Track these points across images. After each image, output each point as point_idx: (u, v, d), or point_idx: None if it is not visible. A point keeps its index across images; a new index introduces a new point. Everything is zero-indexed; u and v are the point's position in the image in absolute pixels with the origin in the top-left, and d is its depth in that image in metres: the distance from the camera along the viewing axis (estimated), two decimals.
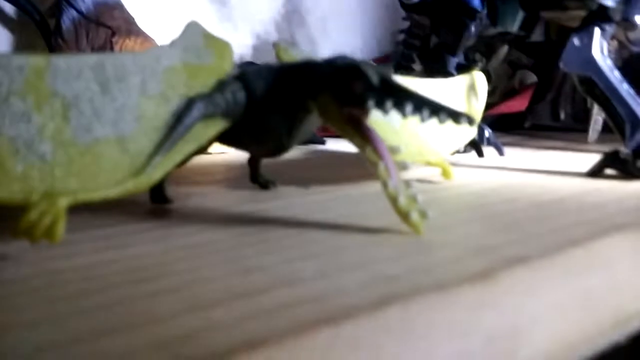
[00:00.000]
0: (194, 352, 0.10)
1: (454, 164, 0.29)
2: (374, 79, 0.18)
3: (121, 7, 0.46)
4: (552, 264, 0.16)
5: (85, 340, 0.11)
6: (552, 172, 0.31)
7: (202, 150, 0.23)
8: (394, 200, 0.18)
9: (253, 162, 0.28)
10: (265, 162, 0.27)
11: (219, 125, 0.21)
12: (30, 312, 0.13)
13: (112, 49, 0.43)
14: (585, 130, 0.43)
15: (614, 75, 0.28)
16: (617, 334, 0.15)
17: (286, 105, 0.21)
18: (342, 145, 0.44)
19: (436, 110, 0.17)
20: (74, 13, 0.43)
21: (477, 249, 0.17)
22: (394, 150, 0.19)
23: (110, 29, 0.44)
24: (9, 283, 0.15)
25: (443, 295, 0.13)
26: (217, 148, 0.40)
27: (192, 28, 0.22)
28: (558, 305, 0.15)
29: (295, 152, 0.34)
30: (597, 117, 0.27)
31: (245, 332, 0.11)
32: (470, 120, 0.17)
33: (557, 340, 0.15)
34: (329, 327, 0.11)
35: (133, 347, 0.11)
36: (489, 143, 0.35)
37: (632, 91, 0.28)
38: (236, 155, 0.38)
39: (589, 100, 0.32)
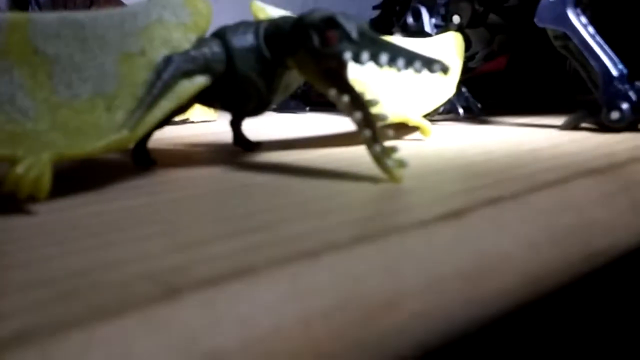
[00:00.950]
0: (182, 280, 0.11)
1: (432, 122, 0.29)
2: (350, 30, 0.19)
3: None
4: (522, 205, 0.16)
5: (79, 274, 0.11)
6: (529, 126, 0.32)
7: (183, 109, 0.23)
8: (371, 148, 0.19)
9: (236, 124, 0.28)
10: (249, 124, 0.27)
11: (198, 82, 0.21)
12: (21, 255, 0.13)
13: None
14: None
15: (588, 31, 0.29)
16: (585, 269, 0.16)
17: (265, 61, 0.22)
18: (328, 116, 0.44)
19: (411, 59, 0.18)
20: None
21: (451, 193, 0.17)
22: (372, 102, 0.19)
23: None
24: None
25: (418, 232, 0.14)
26: (199, 116, 0.41)
27: None
28: (528, 243, 0.16)
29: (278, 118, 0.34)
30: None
31: (229, 264, 0.12)
32: (445, 68, 0.17)
33: (527, 274, 0.15)
34: (310, 259, 0.12)
35: (126, 278, 0.11)
36: (467, 103, 0.36)
37: (605, 46, 0.29)
38: (219, 123, 0.39)
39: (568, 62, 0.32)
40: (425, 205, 0.16)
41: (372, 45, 0.19)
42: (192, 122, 0.40)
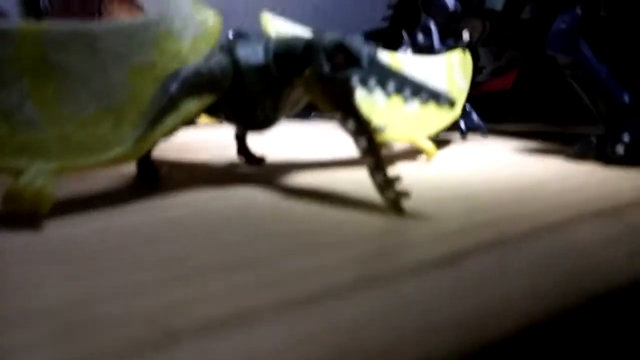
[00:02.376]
0: (180, 323, 0.11)
1: (437, 144, 0.29)
2: (360, 56, 0.19)
3: None
4: (525, 248, 0.16)
5: (75, 306, 0.11)
6: (536, 151, 0.32)
7: (189, 122, 0.23)
8: (375, 177, 0.19)
9: (240, 135, 0.28)
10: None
11: (205, 98, 0.21)
12: (15, 279, 0.13)
13: (101, 13, 0.43)
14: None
15: (595, 60, 0.29)
16: (590, 314, 0.16)
17: (273, 79, 0.21)
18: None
19: (418, 90, 0.18)
20: None
21: (453, 231, 0.17)
22: (377, 129, 0.19)
23: None
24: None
25: (419, 276, 0.14)
26: (205, 119, 0.41)
27: None
28: (531, 288, 0.16)
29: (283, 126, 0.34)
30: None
31: (228, 305, 0.12)
32: (452, 103, 0.17)
33: (529, 321, 0.15)
34: (310, 304, 0.12)
35: (123, 317, 0.11)
36: (473, 123, 0.36)
37: (614, 78, 0.29)
38: (224, 127, 0.39)
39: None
40: (427, 244, 0.16)
41: (380, 72, 0.18)
42: (198, 125, 0.40)
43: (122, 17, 0.42)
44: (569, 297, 0.16)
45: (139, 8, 0.45)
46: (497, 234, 0.17)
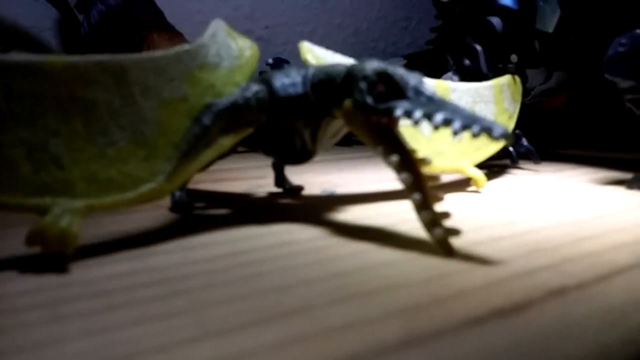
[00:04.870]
0: None
1: (486, 172, 0.27)
2: (404, 85, 0.17)
3: (150, 2, 0.46)
4: (589, 296, 0.15)
5: None
6: (593, 181, 0.30)
7: (224, 155, 0.22)
8: (421, 214, 0.17)
9: (278, 166, 0.27)
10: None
11: (240, 130, 0.20)
12: (37, 331, 0.12)
13: (140, 43, 0.43)
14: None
15: None
16: None
17: (311, 110, 0.20)
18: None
19: (469, 122, 0.16)
20: (102, 7, 0.42)
21: (507, 277, 0.16)
22: (423, 161, 0.18)
23: (138, 24, 0.43)
24: (16, 296, 0.14)
25: (473, 331, 0.12)
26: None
27: (217, 27, 0.21)
28: (596, 343, 0.14)
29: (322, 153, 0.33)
30: None
31: None
32: (507, 135, 0.16)
33: None
34: None
35: None
36: (524, 149, 0.34)
37: None
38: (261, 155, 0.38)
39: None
40: (480, 292, 0.14)
41: (427, 102, 0.17)
42: (236, 151, 0.40)
43: (162, 47, 0.42)
44: None
45: (180, 37, 0.45)
46: (559, 280, 0.15)
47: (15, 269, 0.16)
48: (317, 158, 0.22)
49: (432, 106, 0.17)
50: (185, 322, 0.12)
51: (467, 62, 0.35)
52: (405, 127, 0.19)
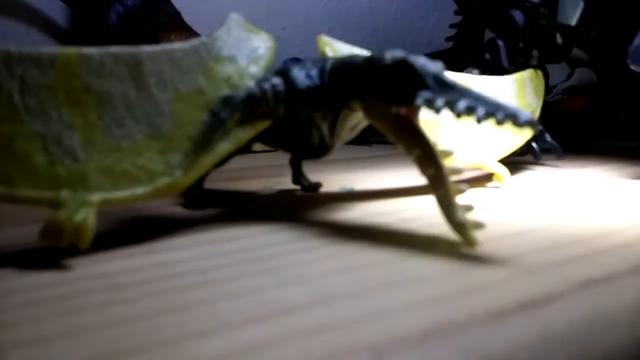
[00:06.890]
0: None
1: (508, 167, 0.27)
2: (424, 73, 0.17)
3: (167, 2, 0.46)
4: (620, 288, 0.14)
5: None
6: (617, 176, 0.29)
7: (243, 150, 0.22)
8: (445, 210, 0.17)
9: (295, 163, 0.26)
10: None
11: (257, 123, 0.20)
12: (49, 326, 0.12)
13: (157, 44, 0.43)
14: None
15: None
16: None
17: (330, 103, 0.20)
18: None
19: (493, 109, 0.15)
20: (120, 8, 0.42)
21: (533, 268, 0.15)
22: (446, 153, 0.17)
23: (156, 24, 0.43)
24: (31, 289, 0.14)
25: (498, 322, 0.12)
26: (260, 145, 0.40)
27: (234, 21, 0.21)
28: (629, 336, 0.13)
29: (340, 152, 0.33)
30: None
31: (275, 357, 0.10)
32: (533, 123, 0.15)
33: None
34: (374, 357, 0.10)
35: None
36: (547, 144, 0.33)
37: None
38: (279, 154, 0.37)
39: None
40: (505, 284, 0.14)
41: (448, 91, 0.17)
42: (254, 151, 0.39)
43: None
44: None
45: (195, 37, 0.45)
46: (589, 272, 0.15)
47: (28, 263, 0.16)
48: (335, 157, 0.22)
49: (454, 94, 0.16)
50: (199, 314, 0.12)
51: (487, 56, 0.35)
52: (424, 120, 0.18)
